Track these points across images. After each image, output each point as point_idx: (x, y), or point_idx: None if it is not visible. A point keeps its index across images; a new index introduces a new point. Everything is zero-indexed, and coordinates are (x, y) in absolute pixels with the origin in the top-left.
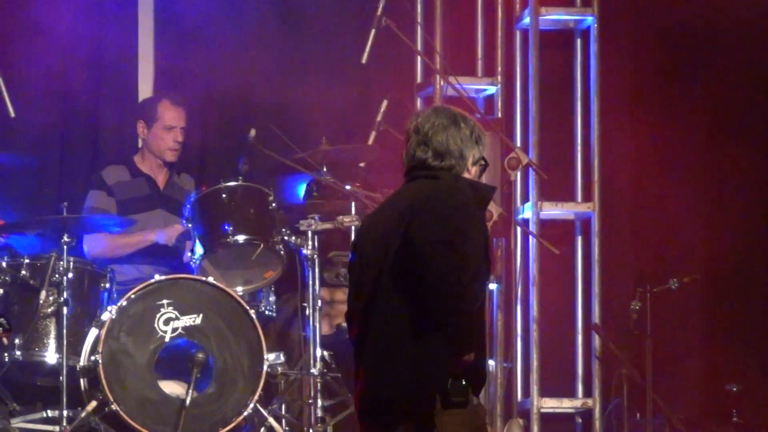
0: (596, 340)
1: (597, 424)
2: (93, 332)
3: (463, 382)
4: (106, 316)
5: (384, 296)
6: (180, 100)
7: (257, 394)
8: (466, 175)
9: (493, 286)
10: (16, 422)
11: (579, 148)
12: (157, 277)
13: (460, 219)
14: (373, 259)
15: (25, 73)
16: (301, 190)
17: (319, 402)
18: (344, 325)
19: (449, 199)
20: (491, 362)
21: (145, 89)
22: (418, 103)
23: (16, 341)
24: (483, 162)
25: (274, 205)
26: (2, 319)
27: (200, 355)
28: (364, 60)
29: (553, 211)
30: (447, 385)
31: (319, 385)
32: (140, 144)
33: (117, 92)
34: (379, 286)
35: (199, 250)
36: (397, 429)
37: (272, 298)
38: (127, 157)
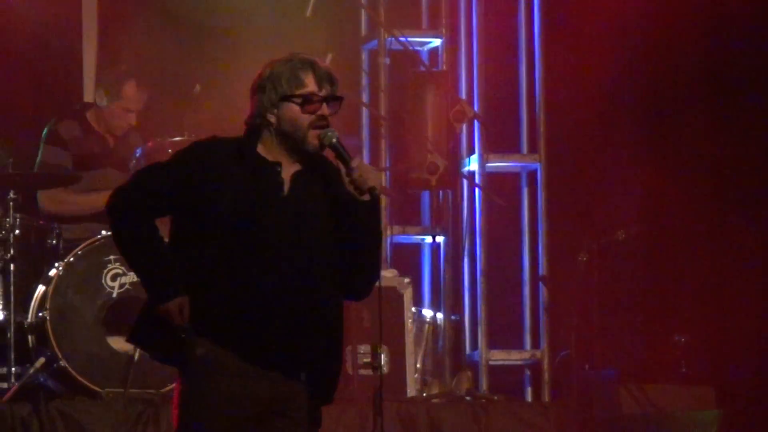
0: (544, 292)
1: (546, 375)
2: (40, 289)
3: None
4: (53, 273)
5: None
6: (145, 81)
7: None
8: None
9: (440, 238)
10: None
11: (524, 100)
12: (103, 233)
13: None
14: None
15: None
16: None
17: None
18: None
19: None
20: (439, 315)
21: (89, 48)
22: (363, 56)
23: None
24: None
25: None
26: None
27: None
28: (308, 13)
29: (499, 163)
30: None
31: None
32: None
33: (60, 48)
34: None
35: None
36: None
37: None
38: (79, 112)
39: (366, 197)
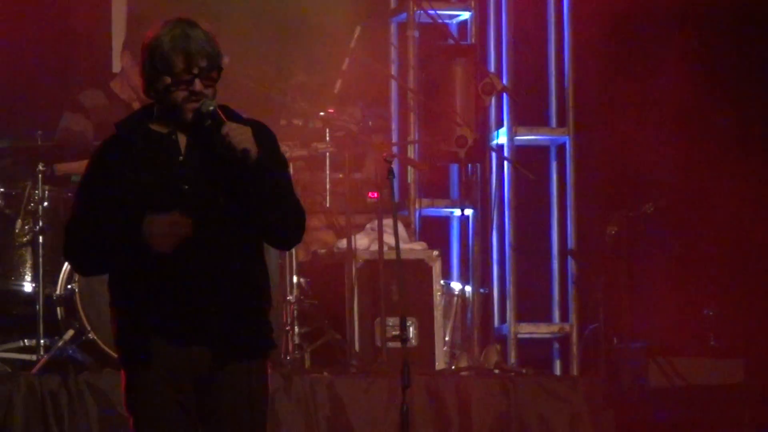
0: (572, 265)
1: (574, 349)
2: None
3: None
4: None
5: None
6: None
7: None
8: None
9: (468, 211)
10: None
11: (553, 72)
12: None
13: None
14: None
15: None
16: None
17: (296, 329)
18: (321, 251)
19: None
20: (468, 288)
21: (117, 15)
22: (392, 29)
23: None
24: None
25: None
26: None
27: None
28: None
29: (528, 136)
30: None
31: (295, 312)
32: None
33: (89, 15)
34: None
35: None
36: None
37: None
38: (104, 82)
39: (249, 161)
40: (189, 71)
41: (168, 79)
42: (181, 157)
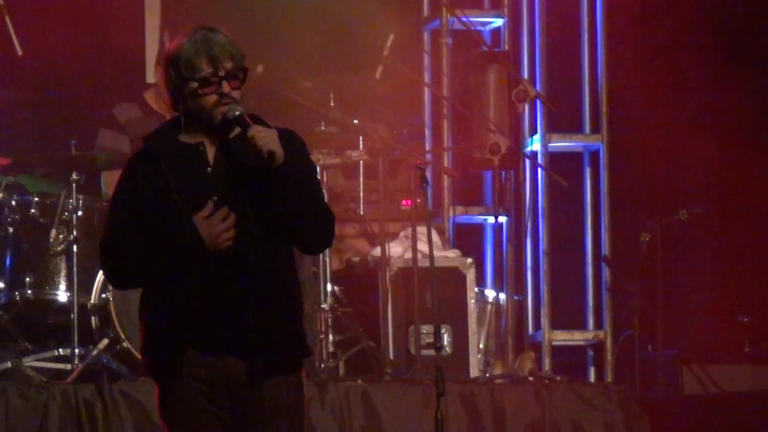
0: (606, 272)
1: (608, 356)
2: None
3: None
4: None
5: None
6: None
7: None
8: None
9: (502, 218)
10: (28, 361)
11: (586, 79)
12: None
13: None
14: None
15: (31, 11)
16: None
17: (330, 337)
18: (354, 259)
19: None
20: (502, 295)
21: (151, 27)
22: (425, 36)
23: (27, 280)
24: None
25: None
26: None
27: None
28: None
29: (562, 143)
30: None
31: (330, 320)
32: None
33: (123, 27)
34: None
35: None
36: None
37: None
38: (137, 94)
39: (276, 163)
40: (215, 74)
41: (195, 84)
42: (209, 169)
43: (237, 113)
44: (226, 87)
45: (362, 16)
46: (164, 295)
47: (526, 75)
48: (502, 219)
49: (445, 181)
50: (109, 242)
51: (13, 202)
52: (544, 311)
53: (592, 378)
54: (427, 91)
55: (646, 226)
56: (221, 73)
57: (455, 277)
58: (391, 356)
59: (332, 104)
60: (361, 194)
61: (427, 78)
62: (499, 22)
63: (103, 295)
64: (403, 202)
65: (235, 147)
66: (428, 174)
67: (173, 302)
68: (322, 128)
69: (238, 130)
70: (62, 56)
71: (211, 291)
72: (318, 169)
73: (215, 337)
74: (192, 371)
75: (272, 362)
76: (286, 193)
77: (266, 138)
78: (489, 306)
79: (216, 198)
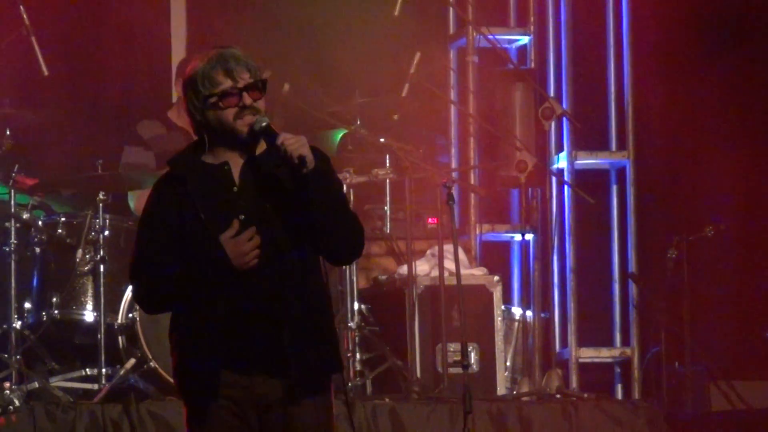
0: (633, 289)
1: (636, 373)
2: (130, 289)
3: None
4: None
5: None
6: None
7: None
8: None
9: (529, 236)
10: (55, 381)
11: (613, 96)
12: None
13: None
14: None
15: (57, 31)
16: (336, 143)
17: (358, 355)
18: (381, 277)
19: None
20: (529, 313)
21: (177, 45)
22: (451, 54)
23: (54, 300)
24: None
25: None
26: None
27: None
28: (396, 12)
29: (588, 160)
30: None
31: (357, 338)
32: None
33: (148, 46)
34: None
35: None
36: None
37: None
38: (160, 111)
39: (307, 168)
40: (235, 86)
41: (215, 99)
42: (235, 188)
43: (264, 124)
44: (247, 99)
45: (388, 33)
46: (195, 316)
47: (552, 92)
48: (529, 236)
49: (472, 198)
50: (136, 270)
51: (40, 223)
52: (571, 328)
53: (619, 395)
54: (453, 109)
55: (673, 243)
56: (240, 85)
57: (482, 294)
58: (419, 374)
59: (358, 122)
60: (388, 213)
61: (453, 96)
62: (525, 39)
63: (130, 315)
64: (430, 220)
65: (262, 160)
66: (454, 192)
67: (205, 324)
68: (348, 147)
69: (264, 146)
70: (87, 74)
71: (244, 310)
72: (344, 186)
73: (249, 356)
74: (225, 392)
75: (307, 378)
76: (318, 198)
77: (296, 144)
78: (516, 323)
79: (243, 216)
